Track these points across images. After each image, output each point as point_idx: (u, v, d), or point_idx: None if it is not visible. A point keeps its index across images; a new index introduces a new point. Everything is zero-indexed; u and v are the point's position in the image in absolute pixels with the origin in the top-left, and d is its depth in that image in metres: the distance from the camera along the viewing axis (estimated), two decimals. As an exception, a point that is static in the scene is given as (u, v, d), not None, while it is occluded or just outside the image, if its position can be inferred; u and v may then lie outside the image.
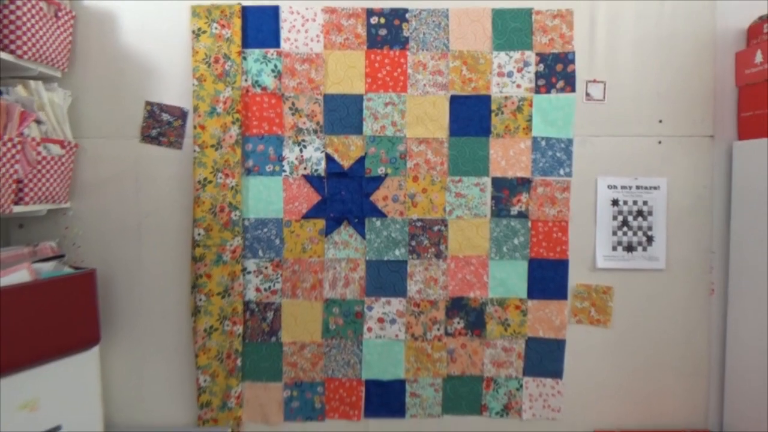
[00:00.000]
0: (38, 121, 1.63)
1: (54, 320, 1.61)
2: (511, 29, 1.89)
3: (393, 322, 1.93)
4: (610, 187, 1.92)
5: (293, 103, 1.88)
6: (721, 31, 1.92)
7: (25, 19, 1.55)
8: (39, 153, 1.61)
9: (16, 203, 1.55)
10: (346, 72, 1.88)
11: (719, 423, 1.94)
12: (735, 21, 1.92)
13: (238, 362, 1.89)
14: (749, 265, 1.80)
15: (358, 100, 1.88)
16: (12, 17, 1.52)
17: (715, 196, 1.93)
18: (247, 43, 1.86)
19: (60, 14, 1.71)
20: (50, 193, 1.69)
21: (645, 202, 1.93)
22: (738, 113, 1.93)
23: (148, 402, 1.90)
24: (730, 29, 1.92)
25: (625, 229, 1.93)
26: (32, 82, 1.63)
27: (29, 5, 1.56)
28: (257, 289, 1.90)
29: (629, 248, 1.92)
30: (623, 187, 1.92)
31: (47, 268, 1.67)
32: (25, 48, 1.55)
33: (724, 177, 1.92)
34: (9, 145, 1.44)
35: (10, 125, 1.48)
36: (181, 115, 1.86)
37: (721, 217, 1.92)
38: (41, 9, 1.61)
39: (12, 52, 1.53)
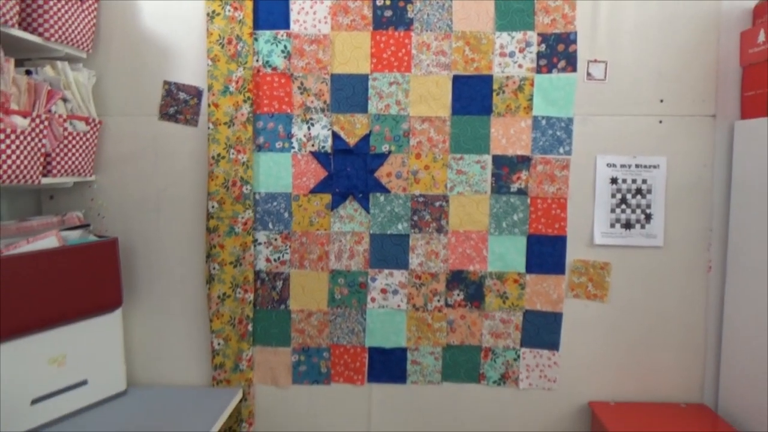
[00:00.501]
0: (65, 99, 1.76)
1: (80, 283, 1.75)
2: (514, 10, 1.93)
3: (395, 292, 2.02)
4: (609, 165, 1.96)
5: (302, 83, 1.96)
6: (726, 10, 1.93)
7: (52, 3, 1.66)
8: (65, 129, 1.74)
9: (44, 175, 1.68)
10: (353, 52, 1.96)
11: (715, 397, 1.98)
12: (740, 1, 1.93)
13: (250, 327, 2.01)
14: (747, 243, 1.83)
15: (363, 79, 1.96)
16: (40, 2, 1.64)
17: (716, 174, 1.95)
18: (258, 24, 1.95)
19: (84, -1, 1.82)
20: (76, 167, 1.82)
21: (644, 181, 1.96)
22: (741, 92, 1.94)
23: (166, 362, 2.04)
24: (735, 8, 1.93)
25: (623, 206, 1.97)
26: (59, 63, 1.76)
27: (55, -10, 1.67)
28: (267, 260, 2.01)
29: (627, 225, 1.97)
30: (622, 166, 1.96)
31: (74, 236, 1.81)
32: (52, 31, 1.68)
33: (725, 156, 1.94)
34: (37, 121, 1.57)
35: (38, 103, 1.61)
36: (197, 93, 1.97)
37: (720, 195, 1.95)
38: (66, -6, 1.73)
39: (40, 34, 1.66)
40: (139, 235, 2.01)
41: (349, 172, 1.98)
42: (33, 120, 1.56)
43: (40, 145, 1.60)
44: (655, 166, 1.96)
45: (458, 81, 1.95)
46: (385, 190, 1.99)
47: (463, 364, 2.04)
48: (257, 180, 1.99)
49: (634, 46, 1.93)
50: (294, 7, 1.94)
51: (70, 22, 1.75)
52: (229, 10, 1.92)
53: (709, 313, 1.98)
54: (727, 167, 1.94)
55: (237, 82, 1.94)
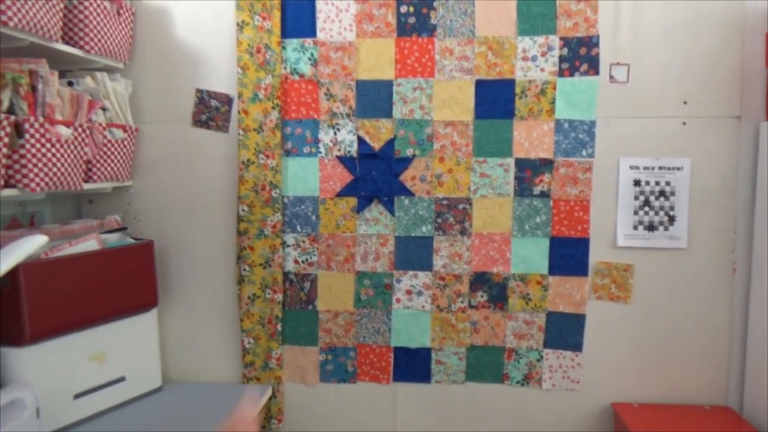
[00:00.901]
0: (104, 108, 1.85)
1: (118, 284, 1.83)
2: (536, 14, 1.96)
3: (420, 294, 2.06)
4: (632, 167, 1.98)
5: (328, 89, 2.02)
6: (751, 10, 1.92)
7: (92, 17, 1.75)
8: (105, 137, 1.82)
9: (85, 181, 1.77)
10: (377, 59, 2.00)
11: (740, 399, 1.98)
12: (766, 1, 1.92)
13: (279, 327, 2.08)
14: (773, 245, 1.83)
15: (388, 85, 2.01)
16: (81, 16, 1.73)
17: (740, 176, 1.95)
18: (286, 33, 2.02)
19: (122, 12, 1.91)
20: (114, 172, 1.91)
21: (668, 183, 1.97)
22: (767, 94, 1.93)
23: (198, 360, 2.12)
24: (760, 9, 1.92)
25: (646, 208, 1.98)
26: (98, 74, 1.84)
27: (95, 5, 1.76)
28: (295, 261, 2.08)
29: (650, 227, 1.98)
30: (645, 168, 1.97)
31: (113, 239, 1.90)
32: (92, 43, 1.76)
33: (750, 157, 1.94)
34: (80, 130, 1.66)
35: (80, 113, 1.70)
36: (228, 101, 2.04)
37: (745, 197, 1.94)
38: (105, 8, 1.81)
39: (81, 47, 1.74)
40: (173, 238, 2.09)
41: (375, 175, 2.03)
42: (76, 129, 1.64)
43: (82, 152, 1.68)
44: (678, 168, 1.96)
45: (481, 85, 1.99)
46: (409, 194, 2.03)
47: (486, 365, 2.07)
48: (286, 184, 2.05)
49: (657, 48, 1.94)
50: (320, 16, 2.00)
51: (108, 35, 1.84)
52: (258, 20, 1.99)
53: (734, 315, 1.98)
54: (752, 169, 1.93)
55: (266, 89, 2.00)
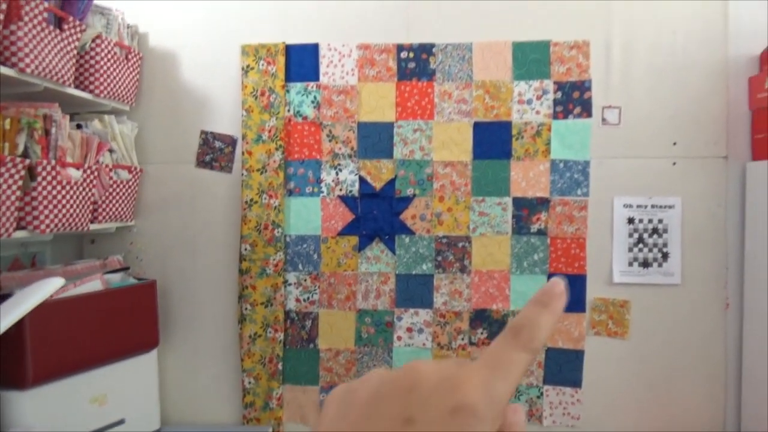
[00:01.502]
0: (111, 150, 1.88)
1: (121, 324, 1.83)
2: (531, 60, 2.04)
3: (420, 331, 2.08)
4: (625, 206, 2.04)
5: (330, 131, 2.08)
6: (733, 57, 2.03)
7: (102, 63, 1.80)
8: (111, 178, 1.85)
9: (91, 222, 1.79)
10: (378, 102, 2.07)
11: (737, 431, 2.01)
12: (748, 48, 2.02)
13: (280, 366, 2.08)
14: (763, 281, 1.88)
15: (389, 127, 2.07)
16: (92, 62, 1.78)
17: (729, 214, 2.02)
18: (289, 77, 2.08)
19: (130, 56, 1.96)
20: (119, 213, 1.93)
21: (660, 220, 2.03)
22: (751, 135, 2.02)
23: (198, 401, 2.10)
24: (742, 56, 2.02)
25: (640, 245, 2.04)
26: (106, 116, 1.88)
27: (106, 50, 1.81)
28: (297, 300, 2.09)
29: (645, 264, 2.03)
30: (638, 206, 2.04)
31: (115, 279, 1.90)
32: (102, 87, 1.81)
33: (738, 196, 2.01)
34: (89, 172, 1.68)
35: (89, 155, 1.72)
36: (231, 142, 2.08)
37: (735, 234, 2.01)
38: (115, 53, 1.86)
39: (91, 91, 1.78)
40: (175, 277, 2.10)
41: (376, 214, 2.07)
42: (85, 171, 1.67)
43: (90, 194, 1.71)
44: (670, 206, 2.03)
45: (479, 127, 2.06)
46: (409, 232, 2.07)
47: (488, 402, 2.07)
48: (288, 223, 2.08)
49: (647, 91, 2.03)
50: (323, 61, 2.07)
51: (117, 79, 1.88)
52: (262, 65, 2.05)
53: (728, 349, 2.02)
54: (740, 206, 2.01)
55: (269, 131, 2.05)
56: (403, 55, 2.07)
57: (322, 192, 2.08)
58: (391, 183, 2.07)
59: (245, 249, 2.05)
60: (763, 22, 2.00)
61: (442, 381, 0.30)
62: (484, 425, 0.29)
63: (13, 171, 1.38)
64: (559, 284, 0.35)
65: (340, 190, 2.08)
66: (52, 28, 1.55)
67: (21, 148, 1.44)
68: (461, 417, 0.29)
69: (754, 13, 2.00)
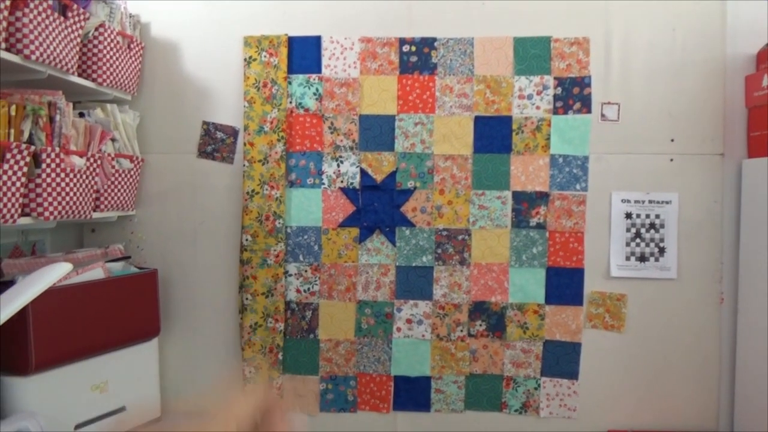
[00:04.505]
0: (113, 139, 1.88)
1: (122, 313, 1.83)
2: (531, 55, 2.06)
3: (420, 323, 2.10)
4: (623, 201, 2.06)
5: (332, 123, 2.08)
6: (730, 55, 2.05)
7: (105, 51, 1.80)
8: (113, 167, 1.85)
9: (94, 210, 1.79)
10: (380, 95, 2.08)
11: (730, 425, 2.04)
12: (745, 47, 2.05)
13: (280, 356, 2.09)
14: (757, 276, 1.92)
15: (390, 120, 2.08)
16: (95, 50, 1.77)
17: (725, 210, 2.05)
18: (292, 69, 2.08)
19: (132, 46, 1.96)
20: (120, 202, 1.93)
21: (657, 216, 2.06)
22: (748, 133, 2.05)
23: (199, 389, 2.11)
24: (739, 54, 2.05)
25: (638, 240, 2.06)
26: (108, 105, 1.88)
27: (109, 39, 1.81)
28: (297, 291, 2.10)
29: (642, 258, 2.06)
30: (636, 201, 2.06)
31: (117, 268, 1.90)
32: (105, 76, 1.80)
33: (733, 192, 2.04)
34: (92, 160, 1.69)
35: (92, 143, 1.73)
36: (233, 133, 2.09)
37: (730, 230, 2.04)
38: (118, 42, 1.86)
39: (94, 80, 1.78)
40: (176, 267, 2.10)
41: (376, 207, 2.09)
42: (88, 159, 1.67)
43: (93, 182, 1.71)
44: (667, 202, 2.06)
45: (479, 121, 2.07)
46: (410, 224, 2.09)
47: (485, 393, 2.10)
48: (289, 214, 2.09)
49: (646, 88, 2.06)
50: (325, 54, 2.08)
51: (119, 68, 1.88)
52: (265, 56, 2.06)
53: (722, 343, 2.05)
54: (736, 203, 2.04)
55: (271, 122, 2.06)
56: (405, 48, 2.08)
57: (324, 184, 2.09)
58: (392, 175, 2.09)
59: (246, 239, 2.06)
60: (760, 21, 2.03)
61: None
62: None
63: (18, 157, 1.38)
64: None
65: (342, 182, 2.09)
66: (56, 15, 1.54)
67: (26, 135, 1.45)
68: None
69: (751, 12, 2.03)
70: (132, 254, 2.06)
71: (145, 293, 1.93)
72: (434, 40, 2.07)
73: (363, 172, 2.09)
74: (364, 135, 2.08)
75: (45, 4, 1.49)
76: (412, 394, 2.11)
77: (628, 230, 2.06)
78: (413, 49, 2.07)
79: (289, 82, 2.08)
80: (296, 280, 2.10)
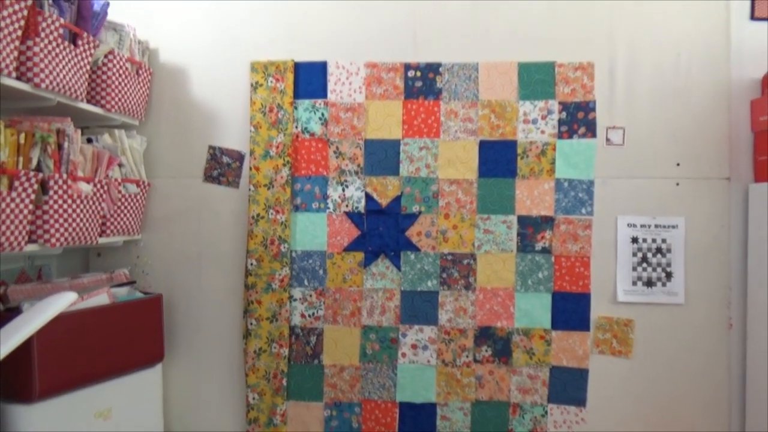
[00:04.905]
0: (120, 164, 1.89)
1: (126, 339, 1.83)
2: (536, 80, 2.07)
3: (425, 348, 2.08)
4: (629, 225, 2.06)
5: (337, 148, 2.09)
6: (736, 80, 2.06)
7: (114, 78, 1.82)
8: (120, 192, 1.86)
9: (100, 235, 1.79)
10: (385, 119, 2.09)
11: (741, 455, 2.01)
12: (750, 71, 2.05)
13: (284, 382, 2.07)
14: (767, 301, 1.90)
15: (395, 144, 2.09)
16: (104, 77, 1.80)
17: (732, 234, 2.03)
18: (298, 94, 2.10)
19: (141, 71, 1.98)
20: (126, 227, 1.94)
21: (664, 240, 2.05)
22: (754, 157, 2.05)
23: (202, 416, 2.10)
24: (744, 78, 2.06)
25: (644, 265, 2.05)
26: (116, 131, 1.90)
27: (118, 66, 1.83)
28: (302, 315, 2.09)
29: (649, 283, 2.04)
30: (642, 226, 2.05)
31: (122, 293, 1.90)
32: (113, 102, 1.82)
33: (740, 217, 2.03)
34: (99, 186, 1.70)
35: (100, 169, 1.74)
36: (239, 157, 2.10)
37: (737, 254, 2.03)
38: (127, 68, 1.89)
39: (102, 106, 1.80)
40: (181, 291, 2.10)
41: (381, 231, 2.08)
42: (95, 185, 1.68)
43: (99, 208, 1.72)
44: (673, 226, 2.05)
45: (484, 146, 2.08)
46: (415, 249, 2.08)
47: (491, 420, 2.08)
48: (294, 239, 2.09)
49: (651, 113, 2.06)
50: (331, 79, 2.10)
51: (127, 94, 1.90)
52: (271, 81, 2.08)
53: (732, 369, 2.02)
54: (743, 227, 2.03)
55: (277, 147, 2.07)
56: (411, 73, 2.09)
57: (329, 208, 2.10)
58: (397, 200, 2.09)
59: (251, 264, 2.06)
60: (765, 46, 2.03)
61: None
62: None
63: (26, 185, 1.39)
64: None
65: (347, 206, 2.09)
66: (67, 44, 1.57)
67: (35, 162, 1.46)
68: None
69: (756, 37, 2.04)
70: (137, 278, 2.06)
71: (149, 319, 1.92)
72: (439, 65, 2.09)
73: (368, 197, 2.09)
74: (369, 159, 2.09)
75: (56, 33, 1.51)
76: (418, 421, 2.08)
77: (634, 255, 2.05)
78: (418, 74, 2.09)
79: (295, 107, 2.10)
80: (301, 305, 2.09)
